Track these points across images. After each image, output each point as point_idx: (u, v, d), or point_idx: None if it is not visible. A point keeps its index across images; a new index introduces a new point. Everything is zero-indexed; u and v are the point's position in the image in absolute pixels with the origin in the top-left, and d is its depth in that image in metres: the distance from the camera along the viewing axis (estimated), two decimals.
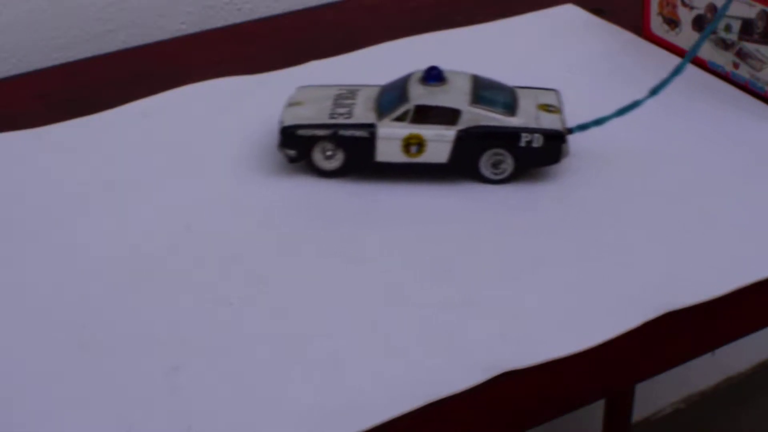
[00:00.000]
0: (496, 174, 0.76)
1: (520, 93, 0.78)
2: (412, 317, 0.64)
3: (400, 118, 0.74)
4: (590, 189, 0.76)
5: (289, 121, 0.76)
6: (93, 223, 0.73)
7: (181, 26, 1.06)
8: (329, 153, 0.76)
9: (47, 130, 0.84)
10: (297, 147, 0.76)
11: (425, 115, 0.74)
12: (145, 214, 0.74)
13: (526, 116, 0.76)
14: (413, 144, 0.74)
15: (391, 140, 0.75)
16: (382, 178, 0.77)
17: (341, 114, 0.76)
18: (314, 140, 0.75)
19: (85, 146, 0.83)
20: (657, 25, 0.95)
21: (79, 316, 0.65)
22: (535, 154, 0.75)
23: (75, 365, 0.61)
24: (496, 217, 0.73)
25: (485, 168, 0.75)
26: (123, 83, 0.92)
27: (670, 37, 0.94)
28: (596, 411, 1.50)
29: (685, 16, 0.91)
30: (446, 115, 0.74)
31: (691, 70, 0.91)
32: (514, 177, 0.76)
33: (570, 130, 0.77)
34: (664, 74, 0.91)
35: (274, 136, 0.80)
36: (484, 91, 0.76)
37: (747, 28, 0.86)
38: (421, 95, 0.75)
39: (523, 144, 0.75)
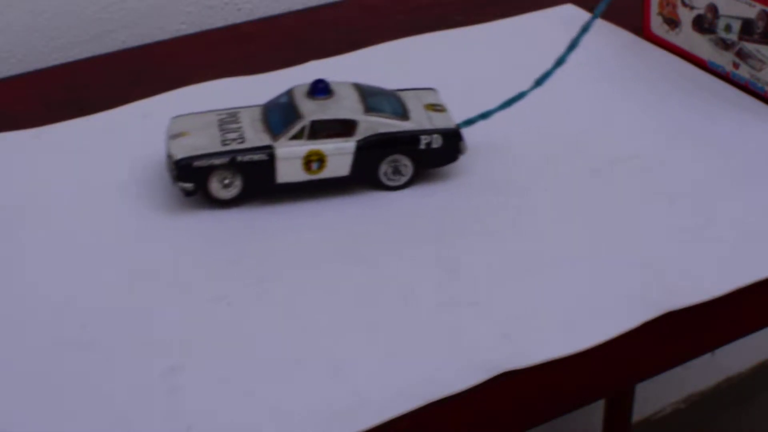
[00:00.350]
0: (395, 180, 0.75)
1: (404, 96, 0.78)
2: (413, 317, 0.64)
3: (296, 136, 0.73)
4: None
5: (182, 154, 0.73)
6: (92, 223, 0.73)
7: (181, 26, 1.06)
8: (227, 181, 0.73)
9: (47, 130, 0.84)
10: (194, 179, 0.73)
11: (322, 129, 0.73)
12: (144, 214, 0.74)
13: (419, 118, 0.75)
14: (314, 160, 0.73)
15: (290, 160, 0.72)
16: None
17: (233, 139, 0.73)
18: (211, 170, 0.72)
19: (85, 146, 0.83)
20: (657, 25, 0.95)
21: (78, 316, 0.65)
22: (435, 155, 0.75)
23: (75, 365, 0.61)
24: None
25: (384, 175, 0.75)
26: (123, 83, 0.92)
27: (670, 37, 0.94)
28: (596, 411, 1.51)
29: (685, 16, 0.91)
30: (343, 127, 0.73)
31: (691, 70, 0.92)
32: (412, 181, 0.76)
33: (457, 126, 0.77)
34: (664, 74, 0.91)
35: (158, 171, 0.77)
36: (372, 98, 0.75)
37: (747, 28, 0.86)
38: (313, 110, 0.73)
39: (422, 146, 0.74)
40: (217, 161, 0.72)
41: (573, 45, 0.75)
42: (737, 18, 0.86)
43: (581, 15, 1.02)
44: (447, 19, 1.02)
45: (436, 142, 0.74)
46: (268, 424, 0.57)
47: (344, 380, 0.60)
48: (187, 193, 0.73)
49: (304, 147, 0.72)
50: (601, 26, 1.00)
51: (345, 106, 0.73)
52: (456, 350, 0.62)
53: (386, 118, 0.74)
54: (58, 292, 0.67)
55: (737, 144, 0.82)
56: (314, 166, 0.73)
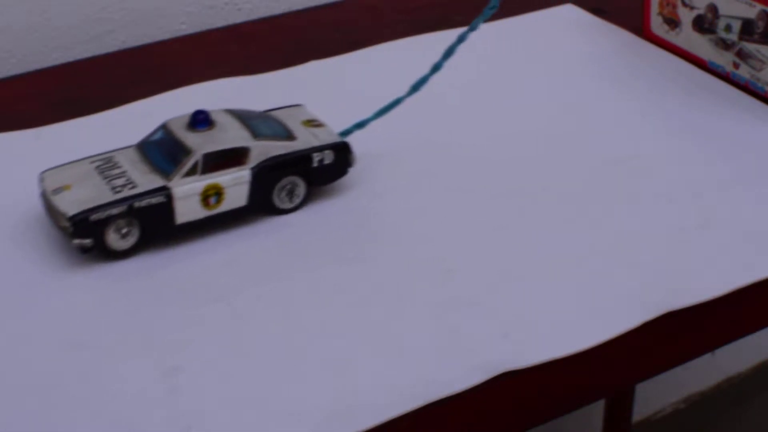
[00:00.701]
0: (290, 203, 0.73)
1: (280, 116, 0.76)
2: (413, 318, 0.64)
3: (190, 173, 0.69)
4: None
5: (74, 209, 0.68)
6: None
7: (181, 26, 1.06)
8: (124, 231, 0.68)
9: (47, 130, 0.84)
10: (92, 234, 0.68)
11: (215, 162, 0.70)
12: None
13: (304, 137, 0.74)
14: (211, 195, 0.69)
15: (188, 198, 0.69)
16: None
17: (123, 185, 0.69)
18: (108, 221, 0.68)
19: (85, 146, 0.82)
20: (657, 25, 0.95)
21: (78, 316, 0.65)
22: (327, 171, 0.74)
23: (74, 365, 0.61)
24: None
25: (279, 199, 0.72)
26: (123, 83, 0.92)
27: (670, 37, 0.94)
28: (596, 411, 1.50)
29: (685, 16, 0.91)
30: (237, 156, 0.70)
31: (691, 70, 0.91)
32: (305, 202, 0.74)
33: (346, 132, 0.76)
34: (664, 74, 0.91)
35: (34, 227, 0.73)
36: (254, 123, 0.73)
37: (747, 28, 0.86)
38: (201, 143, 0.70)
39: (315, 164, 0.73)
40: (114, 211, 0.68)
41: (449, 52, 0.76)
42: (737, 18, 0.86)
43: (581, 15, 1.02)
44: (447, 19, 1.02)
45: (328, 157, 0.73)
46: (267, 424, 0.57)
47: (344, 380, 0.60)
48: (84, 250, 0.68)
49: (201, 182, 0.69)
50: (601, 26, 1.00)
51: (232, 135, 0.71)
52: (456, 350, 0.62)
53: (276, 140, 0.72)
54: (59, 291, 0.67)
55: (737, 144, 0.82)
56: (212, 200, 0.70)
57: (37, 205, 0.72)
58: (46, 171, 0.72)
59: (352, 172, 0.75)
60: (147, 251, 0.70)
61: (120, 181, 0.69)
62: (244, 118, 0.73)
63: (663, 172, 0.78)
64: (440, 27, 1.00)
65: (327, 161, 0.73)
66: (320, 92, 0.89)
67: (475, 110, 0.87)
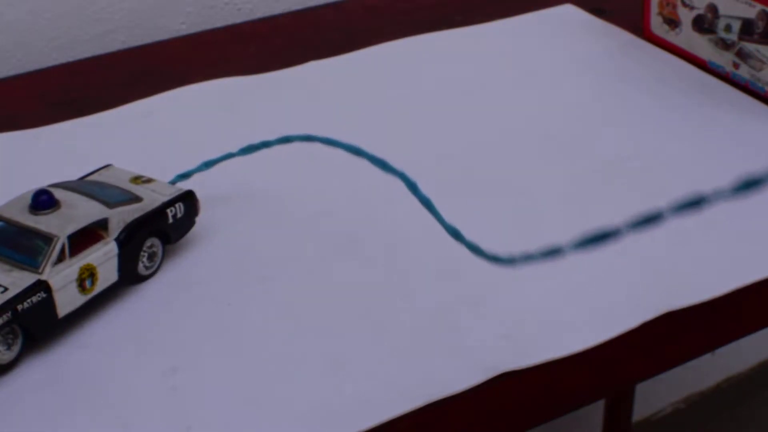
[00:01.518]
0: (151, 267, 0.68)
1: (106, 180, 0.71)
2: (414, 318, 0.64)
3: (60, 259, 0.62)
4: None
5: None
6: None
7: (181, 26, 1.06)
8: (10, 339, 0.60)
9: (47, 130, 0.85)
10: None
11: (79, 241, 0.63)
12: None
13: (147, 194, 0.69)
14: (86, 278, 0.63)
15: (66, 286, 0.62)
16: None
17: None
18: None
19: (85, 146, 0.83)
20: (657, 25, 0.95)
21: (77, 316, 0.65)
22: (180, 225, 0.69)
23: (74, 365, 0.61)
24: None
25: (143, 265, 0.67)
26: (123, 83, 0.92)
27: (670, 37, 0.94)
28: (596, 411, 1.50)
29: (685, 16, 0.91)
30: (98, 230, 0.65)
31: (691, 70, 0.92)
32: (161, 264, 0.69)
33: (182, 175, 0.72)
34: (664, 74, 0.91)
35: None
36: (94, 191, 0.67)
37: (747, 28, 0.86)
38: (60, 225, 0.63)
39: (171, 220, 0.68)
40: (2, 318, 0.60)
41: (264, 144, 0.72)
42: (737, 18, 0.86)
43: (581, 15, 1.02)
44: (447, 19, 1.02)
45: (180, 210, 0.69)
46: (267, 424, 0.57)
47: (345, 380, 0.60)
48: None
49: (74, 266, 0.63)
50: (601, 26, 1.00)
51: (84, 207, 0.65)
52: (456, 350, 0.62)
53: (128, 204, 0.67)
54: None
55: (737, 144, 0.82)
56: (88, 283, 0.63)
57: None
58: None
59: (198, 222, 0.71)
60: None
61: None
62: (82, 189, 0.67)
63: (663, 172, 0.78)
64: (440, 27, 1.00)
65: (180, 214, 0.69)
66: (320, 92, 0.90)
67: (475, 110, 0.87)
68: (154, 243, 0.67)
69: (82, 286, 0.63)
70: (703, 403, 1.73)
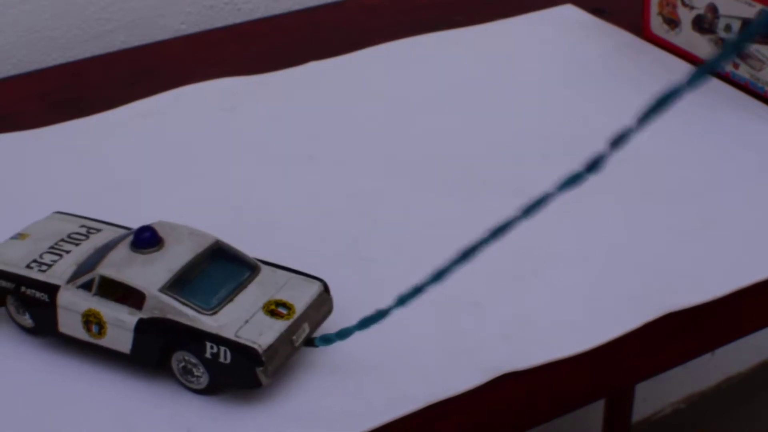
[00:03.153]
0: (191, 381, 0.58)
1: (261, 279, 0.61)
2: (415, 318, 0.64)
3: (86, 286, 0.59)
4: None
5: None
6: None
7: (181, 26, 1.06)
8: (20, 309, 0.62)
9: (47, 131, 0.85)
10: None
11: (111, 290, 0.59)
12: (144, 215, 0.74)
13: (232, 317, 0.58)
14: (93, 322, 0.59)
15: (71, 312, 0.59)
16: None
17: (42, 263, 0.62)
18: (4, 292, 0.62)
19: (85, 146, 0.83)
20: (657, 25, 0.95)
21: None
22: (227, 371, 0.57)
23: (74, 365, 0.61)
24: None
25: (178, 372, 0.59)
26: (123, 83, 0.92)
27: (670, 37, 0.94)
28: (596, 411, 1.50)
29: (685, 16, 0.91)
30: (132, 297, 0.58)
31: (691, 70, 0.91)
32: (215, 389, 0.59)
33: (313, 341, 0.59)
34: (664, 74, 0.91)
35: None
36: (203, 270, 0.60)
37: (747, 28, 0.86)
38: (113, 263, 0.59)
39: (209, 355, 0.57)
40: (4, 284, 0.61)
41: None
42: (737, 18, 0.86)
43: (581, 15, 1.02)
44: (447, 19, 1.02)
45: (225, 356, 0.57)
46: (268, 426, 0.57)
47: (345, 381, 0.60)
48: None
49: (86, 303, 0.59)
50: (601, 27, 1.00)
51: (148, 271, 0.58)
52: (457, 351, 0.62)
53: (183, 303, 0.57)
54: None
55: (737, 144, 0.82)
56: (94, 328, 0.59)
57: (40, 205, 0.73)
58: (54, 213, 0.68)
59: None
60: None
61: (49, 258, 0.62)
62: (203, 259, 0.60)
63: (663, 172, 0.78)
64: (440, 27, 1.00)
65: (223, 359, 0.57)
66: (320, 92, 0.90)
67: (475, 110, 0.87)
68: (191, 360, 0.58)
69: (87, 326, 0.59)
70: (703, 403, 1.73)
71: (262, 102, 0.88)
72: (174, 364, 0.58)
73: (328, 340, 0.59)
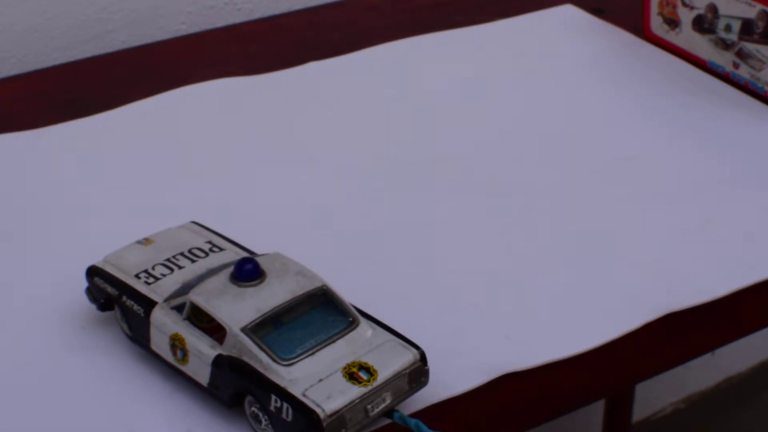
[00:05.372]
0: (258, 428, 0.56)
1: (354, 336, 0.57)
2: (415, 318, 0.64)
3: (179, 309, 0.58)
4: None
5: (102, 262, 0.63)
6: (92, 224, 0.73)
7: (181, 26, 1.06)
8: (120, 315, 0.61)
9: (47, 131, 0.84)
10: (99, 299, 0.62)
11: (201, 317, 0.57)
12: (145, 215, 0.74)
13: (307, 373, 0.54)
14: (178, 347, 0.57)
15: (160, 332, 0.58)
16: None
17: (151, 275, 0.61)
18: (108, 295, 0.62)
19: (85, 146, 0.83)
20: (657, 25, 0.95)
21: (78, 316, 0.65)
22: (287, 429, 0.54)
23: (75, 365, 0.61)
24: None
25: (250, 416, 0.56)
26: (123, 83, 0.92)
27: (670, 37, 0.94)
28: (596, 411, 1.50)
29: (685, 16, 0.91)
30: (216, 329, 0.57)
31: (691, 70, 0.91)
32: None
33: (392, 414, 0.56)
34: (664, 74, 0.91)
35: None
36: (299, 315, 0.57)
37: (747, 28, 0.85)
38: (206, 290, 0.57)
39: (272, 408, 0.54)
40: (110, 289, 0.61)
41: None
42: (737, 18, 0.86)
43: (581, 15, 1.02)
44: (447, 19, 1.02)
45: (287, 413, 0.54)
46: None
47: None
48: (98, 308, 0.63)
49: (174, 326, 0.58)
50: (601, 27, 1.00)
51: (237, 306, 0.56)
52: (457, 351, 0.62)
53: (260, 348, 0.55)
54: (58, 292, 0.67)
55: (737, 144, 0.82)
56: (179, 353, 0.58)
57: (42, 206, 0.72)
58: (192, 222, 0.66)
59: None
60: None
61: (161, 272, 0.61)
62: (301, 302, 0.57)
63: (663, 172, 0.78)
64: (440, 27, 1.00)
65: (285, 416, 0.54)
66: (320, 92, 0.89)
67: (475, 110, 0.87)
68: (258, 407, 0.55)
69: (173, 350, 0.58)
70: (703, 403, 1.73)
71: (262, 102, 0.88)
72: (246, 406, 0.56)
73: (405, 421, 0.55)
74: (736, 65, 0.88)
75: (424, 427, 0.55)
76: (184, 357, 0.57)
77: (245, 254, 0.62)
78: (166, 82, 0.91)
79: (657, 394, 1.67)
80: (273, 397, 0.54)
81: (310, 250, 0.70)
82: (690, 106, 0.87)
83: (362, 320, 0.58)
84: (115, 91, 0.90)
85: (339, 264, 0.69)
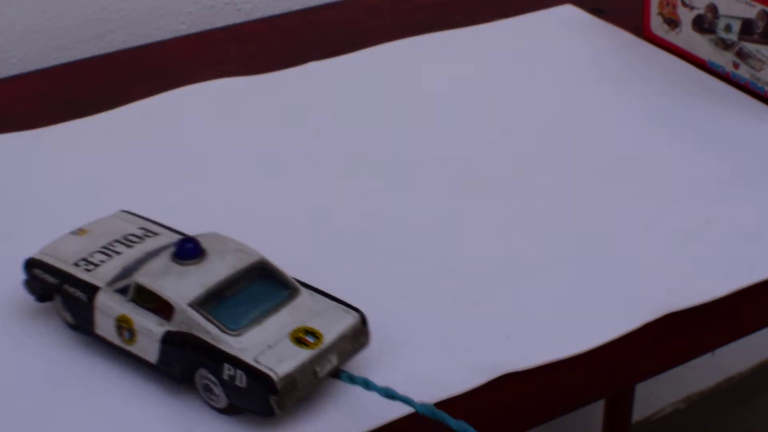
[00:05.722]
0: (212, 399, 0.57)
1: (296, 304, 0.59)
2: (415, 318, 0.64)
3: (123, 291, 0.59)
4: None
5: (39, 253, 0.63)
6: None
7: (181, 26, 1.06)
8: (62, 304, 0.62)
9: (47, 131, 0.84)
10: (38, 290, 0.63)
11: (146, 298, 0.58)
12: (144, 215, 0.74)
13: (256, 341, 0.56)
14: (125, 328, 0.58)
15: (105, 315, 0.59)
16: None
17: (90, 262, 0.62)
18: (48, 286, 0.62)
19: (85, 146, 0.83)
20: (657, 25, 0.95)
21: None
22: (242, 395, 0.56)
23: (75, 366, 0.61)
24: None
25: (201, 388, 0.58)
26: (123, 83, 0.92)
27: (670, 37, 0.94)
28: (596, 411, 1.50)
29: (685, 16, 0.91)
30: (162, 307, 0.58)
31: (691, 70, 0.91)
32: (236, 410, 0.57)
33: (339, 374, 0.58)
34: (664, 74, 0.91)
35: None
36: (241, 289, 0.58)
37: (747, 28, 0.86)
38: (150, 271, 0.59)
39: (226, 377, 0.56)
40: (50, 279, 0.62)
41: None
42: (737, 18, 0.86)
43: (581, 15, 1.02)
44: (447, 19, 1.02)
45: (240, 379, 0.55)
46: (268, 427, 0.57)
47: (345, 382, 0.60)
48: (36, 299, 0.63)
49: (120, 308, 0.59)
50: (601, 27, 1.00)
51: (182, 283, 0.58)
52: (457, 351, 0.62)
53: (208, 321, 0.56)
54: None
55: (737, 144, 0.82)
56: (126, 334, 0.59)
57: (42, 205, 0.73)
58: (121, 211, 0.68)
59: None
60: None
61: (99, 258, 0.62)
62: (242, 276, 0.59)
63: (663, 172, 0.78)
64: (440, 27, 1.00)
65: (239, 383, 0.55)
66: (320, 92, 0.90)
67: (475, 110, 0.87)
68: (210, 378, 0.57)
69: (120, 331, 0.59)
70: (703, 403, 1.73)
71: (262, 102, 0.88)
72: (197, 380, 0.57)
73: (352, 379, 0.57)
74: (736, 65, 0.88)
75: (372, 383, 0.57)
76: (132, 337, 0.59)
77: (179, 237, 0.64)
78: (166, 82, 0.91)
79: (657, 394, 1.67)
80: (226, 366, 0.55)
81: (310, 250, 0.70)
82: (690, 106, 0.87)
83: (302, 289, 0.60)
84: (115, 91, 0.90)
85: (339, 264, 0.69)
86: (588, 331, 0.63)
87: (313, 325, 0.58)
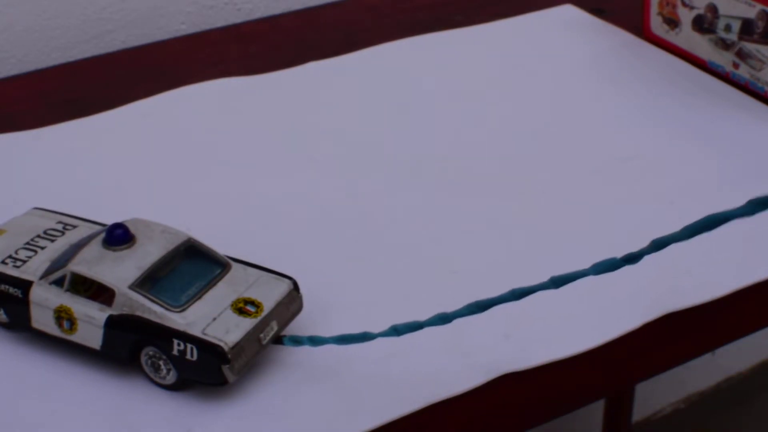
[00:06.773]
0: (160, 377, 0.59)
1: (231, 277, 0.61)
2: (415, 318, 0.64)
3: (58, 283, 0.60)
4: None
5: None
6: None
7: (181, 26, 1.06)
8: None
9: (47, 131, 0.85)
10: None
11: (82, 286, 0.60)
12: (144, 215, 0.74)
13: (200, 315, 0.58)
14: (64, 318, 0.59)
15: (43, 308, 0.60)
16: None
17: (17, 259, 0.62)
18: None
19: (85, 146, 0.83)
20: (657, 25, 0.95)
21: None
22: (193, 368, 0.57)
23: (75, 366, 0.61)
24: None
25: (147, 368, 0.59)
26: (123, 83, 0.92)
27: (670, 37, 0.94)
28: (596, 411, 1.50)
29: (685, 16, 0.91)
30: (102, 293, 0.59)
31: (691, 70, 0.92)
32: (184, 386, 0.59)
33: (281, 340, 0.60)
34: (664, 74, 0.91)
35: None
36: (174, 268, 0.60)
37: (747, 28, 0.86)
38: (84, 260, 0.59)
39: (175, 352, 0.57)
40: None
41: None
42: (737, 18, 0.86)
43: (581, 15, 1.02)
44: (447, 19, 1.02)
45: (191, 353, 0.57)
46: (268, 427, 0.57)
47: (346, 381, 0.60)
48: None
49: (57, 299, 0.60)
50: (601, 27, 1.00)
51: (120, 268, 0.59)
52: (457, 351, 0.62)
53: (151, 300, 0.58)
54: None
55: (737, 144, 0.82)
56: (66, 324, 0.59)
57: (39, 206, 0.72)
58: (34, 208, 0.68)
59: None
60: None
61: (25, 254, 0.63)
62: (173, 257, 0.60)
63: (663, 172, 0.78)
64: (440, 27, 1.00)
65: (189, 356, 0.57)
66: (320, 92, 0.90)
67: (475, 110, 0.87)
68: (159, 356, 0.58)
69: (59, 322, 0.60)
70: (703, 403, 1.73)
71: (262, 102, 0.88)
72: (143, 359, 0.59)
73: (297, 341, 0.60)
74: (736, 65, 0.88)
75: (318, 337, 0.59)
76: (72, 327, 0.60)
77: (98, 227, 0.65)
78: (166, 82, 0.91)
79: (657, 394, 1.67)
80: (175, 342, 0.57)
81: (310, 250, 0.70)
82: (690, 106, 0.87)
83: (233, 263, 0.62)
84: (115, 91, 0.90)
85: (339, 264, 0.69)
86: (588, 331, 0.63)
87: (251, 295, 0.60)
